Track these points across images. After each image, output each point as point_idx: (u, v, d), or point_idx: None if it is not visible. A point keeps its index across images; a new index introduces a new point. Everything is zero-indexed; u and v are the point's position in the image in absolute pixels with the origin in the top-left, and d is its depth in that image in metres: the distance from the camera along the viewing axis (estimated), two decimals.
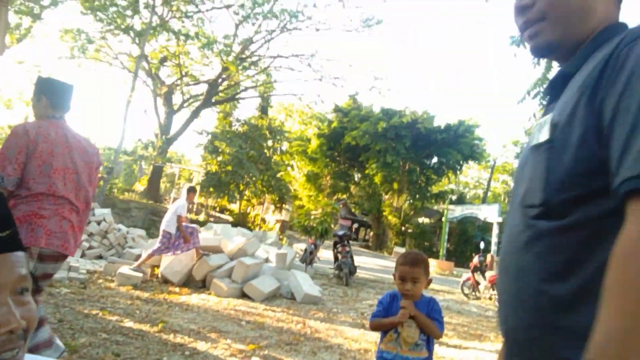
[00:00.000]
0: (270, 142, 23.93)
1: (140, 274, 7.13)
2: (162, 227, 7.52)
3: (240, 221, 20.13)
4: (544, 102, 1.00)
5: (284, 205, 24.10)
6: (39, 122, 2.86)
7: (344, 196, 30.54)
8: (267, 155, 22.85)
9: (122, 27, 18.95)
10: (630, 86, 0.77)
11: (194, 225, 7.98)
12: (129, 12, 18.97)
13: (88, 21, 21.68)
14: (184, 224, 7.55)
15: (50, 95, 2.91)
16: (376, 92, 24.89)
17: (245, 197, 22.60)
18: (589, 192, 0.81)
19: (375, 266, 16.90)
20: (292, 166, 30.05)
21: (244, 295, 7.45)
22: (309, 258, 11.60)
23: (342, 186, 31.62)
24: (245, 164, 19.83)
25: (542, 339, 0.85)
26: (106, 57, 21.25)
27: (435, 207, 31.35)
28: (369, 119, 27.43)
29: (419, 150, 28.13)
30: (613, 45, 0.85)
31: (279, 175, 22.94)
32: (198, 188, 22.21)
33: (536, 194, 0.88)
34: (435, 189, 31.08)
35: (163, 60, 22.62)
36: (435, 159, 29.79)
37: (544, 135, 0.90)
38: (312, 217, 13.24)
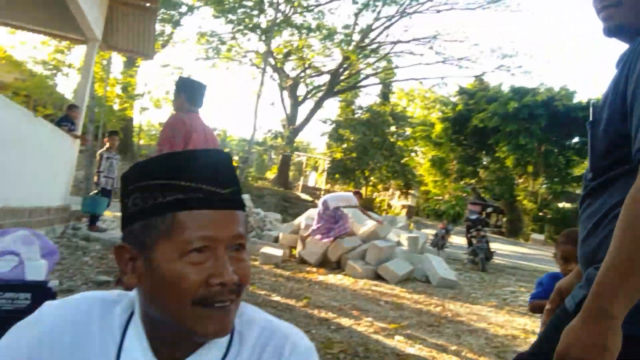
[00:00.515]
0: (393, 128, 23.74)
1: (280, 253, 7.53)
2: (333, 204, 7.91)
3: (367, 207, 20.27)
4: None
5: (410, 191, 23.77)
6: (190, 115, 3.18)
7: (472, 181, 29.16)
8: (391, 141, 22.69)
9: (250, 26, 20.07)
10: None
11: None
12: (255, 12, 20.03)
13: (220, 23, 23.29)
14: (339, 207, 7.91)
15: (187, 92, 3.24)
16: (505, 71, 23.19)
17: (370, 183, 22.71)
18: (616, 159, 1.04)
19: (512, 253, 15.90)
20: (416, 152, 29.48)
21: (377, 277, 7.47)
22: (440, 242, 11.30)
23: (469, 171, 30.21)
24: (369, 151, 19.92)
25: (581, 264, 1.15)
26: (236, 56, 22.69)
27: (578, 191, 28.53)
28: (498, 99, 25.77)
29: (556, 130, 25.73)
30: None
31: (403, 161, 22.64)
32: (324, 175, 22.87)
33: (589, 162, 1.14)
34: (577, 172, 28.26)
35: (287, 55, 23.53)
36: (576, 139, 27.02)
37: (591, 116, 1.13)
38: (443, 201, 12.85)
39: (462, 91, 28.19)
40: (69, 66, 15.31)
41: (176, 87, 3.33)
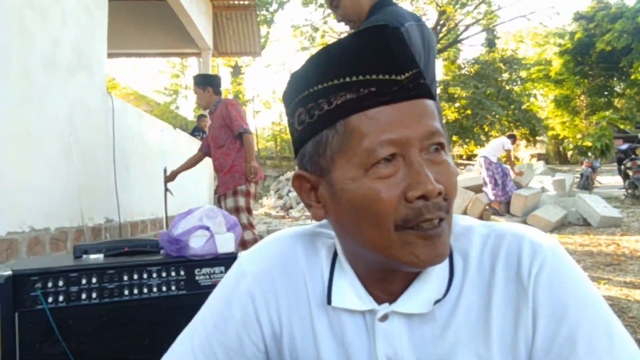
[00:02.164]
0: (506, 75, 22.10)
1: None
2: (493, 157, 7.59)
3: None
4: None
5: (537, 138, 22.01)
6: (230, 100, 3.76)
7: (607, 113, 26.09)
8: (507, 89, 21.15)
9: None
10: None
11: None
12: None
13: (310, 12, 23.41)
14: (498, 164, 7.53)
15: (213, 85, 3.75)
16: None
17: (492, 137, 21.42)
18: None
19: None
20: (535, 95, 27.17)
21: None
22: (588, 183, 10.26)
23: (601, 102, 27.03)
24: (485, 104, 18.78)
25: None
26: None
27: None
28: (624, 15, 22.67)
29: None
30: None
31: (524, 106, 20.99)
32: None
33: None
34: None
35: None
36: None
37: None
38: (586, 134, 11.63)
39: (578, 16, 25.28)
40: (186, 88, 16.52)
41: (201, 83, 3.74)
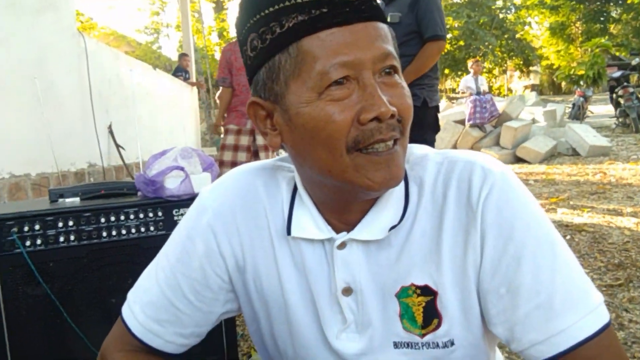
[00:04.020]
0: (500, 3, 21.39)
1: None
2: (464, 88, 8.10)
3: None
4: None
5: (530, 68, 21.68)
6: None
7: (603, 40, 25.55)
8: (501, 17, 20.54)
9: None
10: None
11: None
12: None
13: None
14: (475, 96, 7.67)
15: None
16: None
17: (485, 69, 21.06)
18: None
19: None
20: (529, 23, 26.45)
21: (518, 160, 7.03)
22: (580, 112, 10.23)
23: (597, 29, 26.40)
24: (478, 33, 18.29)
25: None
26: None
27: None
28: None
29: None
30: None
31: (518, 35, 20.48)
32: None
33: None
34: None
35: None
36: None
37: None
38: (578, 62, 11.46)
39: None
40: (167, 26, 15.94)
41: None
